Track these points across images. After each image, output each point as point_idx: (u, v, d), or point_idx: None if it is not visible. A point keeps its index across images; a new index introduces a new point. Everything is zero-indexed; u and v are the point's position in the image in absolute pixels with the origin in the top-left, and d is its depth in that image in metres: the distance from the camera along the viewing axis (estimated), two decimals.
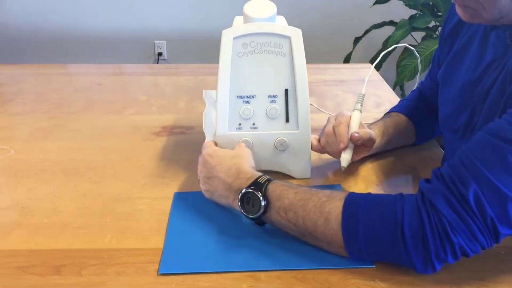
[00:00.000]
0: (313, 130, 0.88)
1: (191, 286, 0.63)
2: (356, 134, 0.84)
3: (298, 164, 0.87)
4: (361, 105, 0.89)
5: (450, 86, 0.82)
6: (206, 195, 0.79)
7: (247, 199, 0.70)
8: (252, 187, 0.70)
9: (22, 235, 0.73)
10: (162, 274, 0.65)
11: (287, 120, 0.86)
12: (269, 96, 0.85)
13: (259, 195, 0.69)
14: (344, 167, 0.85)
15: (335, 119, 0.88)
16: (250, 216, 0.70)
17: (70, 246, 0.71)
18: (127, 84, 1.44)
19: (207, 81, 1.42)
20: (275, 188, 0.70)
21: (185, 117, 1.16)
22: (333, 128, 0.87)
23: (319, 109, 1.17)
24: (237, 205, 0.72)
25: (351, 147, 0.86)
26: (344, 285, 0.63)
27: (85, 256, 0.68)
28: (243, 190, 0.70)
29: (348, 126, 0.86)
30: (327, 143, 0.88)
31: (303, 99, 0.85)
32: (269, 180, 0.71)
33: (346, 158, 0.86)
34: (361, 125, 0.87)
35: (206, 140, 0.86)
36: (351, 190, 0.84)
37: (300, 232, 0.68)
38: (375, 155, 0.95)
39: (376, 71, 1.55)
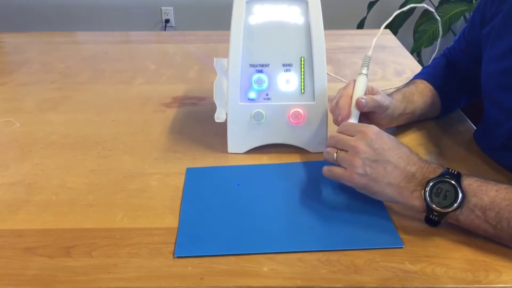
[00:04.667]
0: (330, 101, 0.82)
1: (208, 269, 0.59)
2: (361, 100, 0.76)
3: (314, 138, 0.82)
4: (367, 69, 0.80)
5: (507, 38, 0.75)
6: (362, 180, 0.65)
7: (436, 190, 0.62)
8: (447, 176, 0.62)
9: (29, 213, 0.70)
10: (178, 257, 0.61)
11: (302, 90, 0.81)
12: (283, 65, 0.80)
13: (457, 186, 0.61)
14: None
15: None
16: (439, 209, 0.61)
17: (80, 225, 0.67)
18: (135, 53, 1.39)
19: (218, 49, 1.37)
20: (471, 181, 0.62)
21: (196, 87, 1.12)
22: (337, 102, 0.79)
23: (336, 78, 1.11)
24: (417, 197, 0.63)
25: (355, 118, 0.76)
26: (372, 268, 0.59)
27: (96, 236, 0.65)
28: (435, 180, 0.62)
29: (352, 97, 0.78)
30: (336, 121, 0.80)
31: (320, 68, 0.80)
32: (460, 173, 0.63)
33: None
34: (368, 91, 0.79)
35: (217, 110, 0.81)
36: None
37: (499, 235, 0.60)
38: (396, 129, 0.90)
39: (394, 36, 1.48)
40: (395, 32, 2.23)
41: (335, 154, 0.69)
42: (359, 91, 0.78)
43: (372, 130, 0.68)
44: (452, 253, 0.61)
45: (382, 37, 1.47)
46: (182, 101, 1.04)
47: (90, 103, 1.05)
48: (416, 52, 2.14)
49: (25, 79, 1.18)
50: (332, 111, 0.80)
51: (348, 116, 0.77)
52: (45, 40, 1.49)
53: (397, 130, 0.90)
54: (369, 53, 0.81)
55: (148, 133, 0.91)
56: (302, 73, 0.80)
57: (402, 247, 0.62)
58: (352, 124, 0.73)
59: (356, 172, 0.65)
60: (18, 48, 1.41)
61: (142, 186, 0.75)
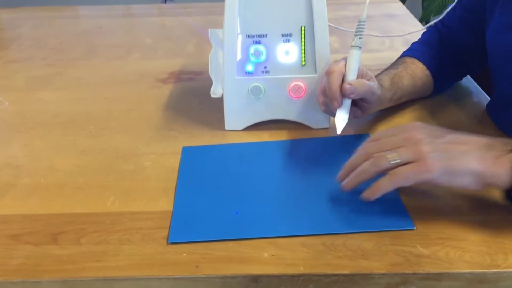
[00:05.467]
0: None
1: (204, 255, 0.55)
2: (348, 86, 0.66)
3: (316, 113, 0.77)
4: (361, 39, 0.68)
5: None
6: (440, 164, 0.54)
7: None
8: None
9: (15, 198, 0.66)
10: (172, 243, 0.57)
11: (303, 62, 0.76)
12: (282, 35, 0.75)
13: None
14: (338, 131, 0.68)
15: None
16: None
17: (69, 210, 0.63)
18: (131, 26, 1.33)
19: (218, 21, 1.31)
20: None
21: (194, 62, 1.06)
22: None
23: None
24: (503, 163, 0.53)
25: (346, 104, 0.68)
26: (380, 252, 0.54)
27: (85, 221, 0.61)
28: None
29: (343, 75, 0.69)
30: (326, 104, 0.71)
31: (322, 38, 0.74)
32: None
33: (340, 119, 0.68)
34: (362, 74, 0.70)
35: (214, 85, 0.76)
36: None
37: None
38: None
39: (402, 4, 1.42)
40: (403, 0, 2.15)
41: (389, 156, 0.56)
42: (351, 72, 0.68)
43: (415, 122, 0.59)
44: (467, 234, 0.56)
45: (390, 5, 1.41)
46: (179, 77, 0.99)
47: (83, 80, 1.00)
48: (425, 21, 2.06)
49: (15, 56, 1.13)
50: (322, 91, 0.70)
51: (341, 102, 0.68)
52: (38, 16, 1.43)
53: (405, 102, 0.84)
54: (363, 16, 0.69)
55: (143, 111, 0.87)
56: (303, 43, 0.75)
57: (413, 229, 0.57)
58: (388, 130, 0.61)
59: (431, 158, 0.54)
60: (10, 24, 1.36)
61: (136, 167, 0.71)
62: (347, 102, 0.69)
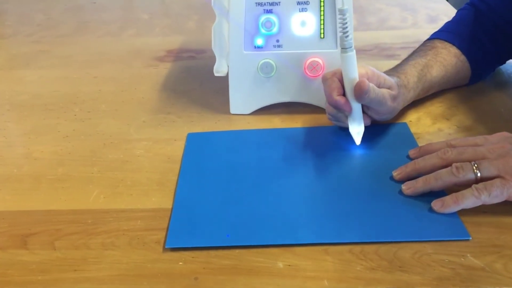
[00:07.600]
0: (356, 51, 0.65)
1: (204, 265, 0.45)
2: (367, 84, 0.55)
3: None
4: (348, 37, 0.55)
5: None
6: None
7: None
8: None
9: None
10: (169, 248, 0.47)
11: (322, 35, 0.66)
12: (298, 3, 0.65)
13: None
14: (358, 143, 0.60)
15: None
16: None
17: (43, 206, 0.53)
18: (126, 1, 1.23)
19: None
20: None
21: (195, 39, 0.96)
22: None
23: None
24: None
25: (357, 114, 0.59)
26: (422, 263, 0.44)
27: (62, 220, 0.51)
28: None
29: (341, 78, 0.58)
30: (332, 114, 0.62)
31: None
32: None
33: (355, 132, 0.59)
34: (379, 82, 0.59)
35: (217, 62, 0.66)
36: (414, 126, 0.65)
37: None
38: None
39: None
40: None
41: (474, 166, 0.49)
42: (350, 79, 0.57)
43: (502, 132, 0.54)
44: None
45: None
46: (178, 55, 0.89)
47: (71, 58, 0.90)
48: None
49: None
50: (331, 99, 0.58)
51: (349, 107, 0.58)
52: None
53: None
54: (343, 7, 0.55)
55: (137, 92, 0.76)
56: (322, 12, 0.65)
57: (468, 239, 0.46)
58: (468, 137, 0.55)
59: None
60: None
61: (126, 156, 0.61)
62: (358, 111, 0.59)
